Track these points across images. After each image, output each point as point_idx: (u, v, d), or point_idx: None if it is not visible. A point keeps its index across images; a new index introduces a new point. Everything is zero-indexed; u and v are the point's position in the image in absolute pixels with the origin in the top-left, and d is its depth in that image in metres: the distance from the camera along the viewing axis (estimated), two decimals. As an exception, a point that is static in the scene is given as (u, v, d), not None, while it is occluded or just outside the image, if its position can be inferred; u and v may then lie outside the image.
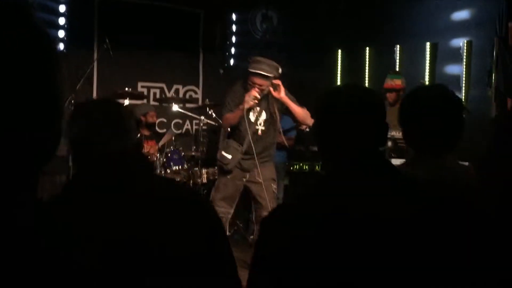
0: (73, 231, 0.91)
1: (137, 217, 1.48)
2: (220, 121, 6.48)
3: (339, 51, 7.78)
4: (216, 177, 6.54)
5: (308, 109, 5.06)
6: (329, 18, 7.60)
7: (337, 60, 7.81)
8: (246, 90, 4.80)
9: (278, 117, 5.04)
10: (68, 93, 6.24)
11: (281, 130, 5.46)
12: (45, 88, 0.78)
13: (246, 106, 4.73)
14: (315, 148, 7.09)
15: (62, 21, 7.00)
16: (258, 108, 4.93)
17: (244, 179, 5.07)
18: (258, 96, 4.74)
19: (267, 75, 4.71)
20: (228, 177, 5.03)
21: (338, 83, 7.76)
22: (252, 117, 4.94)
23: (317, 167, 7.12)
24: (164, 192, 1.65)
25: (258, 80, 4.70)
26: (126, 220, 1.43)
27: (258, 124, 4.99)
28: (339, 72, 7.80)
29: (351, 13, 7.41)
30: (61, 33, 6.99)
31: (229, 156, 4.97)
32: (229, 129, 5.16)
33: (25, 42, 0.75)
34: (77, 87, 6.41)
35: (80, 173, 1.65)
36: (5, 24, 0.74)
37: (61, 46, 6.98)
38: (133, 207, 1.57)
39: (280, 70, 4.88)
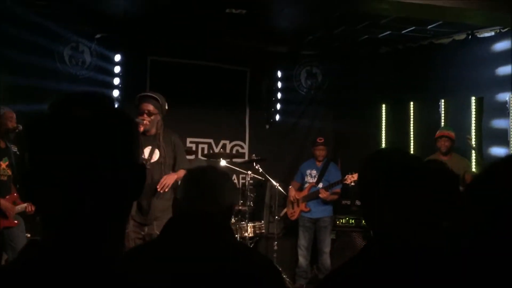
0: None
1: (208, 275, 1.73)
2: (267, 175, 6.61)
3: (384, 105, 7.86)
4: (263, 231, 6.62)
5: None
6: (373, 73, 7.73)
7: (382, 114, 7.88)
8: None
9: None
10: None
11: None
12: (132, 154, 1.01)
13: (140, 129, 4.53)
14: (345, 202, 7.12)
15: (116, 81, 7.38)
16: (150, 147, 4.76)
17: (143, 233, 4.70)
18: (147, 120, 4.66)
19: (156, 98, 4.76)
20: (127, 231, 4.52)
21: (383, 137, 7.81)
22: (146, 153, 4.74)
23: (363, 221, 7.10)
24: (239, 257, 1.89)
25: (145, 106, 4.72)
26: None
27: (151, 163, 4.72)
28: (383, 126, 7.85)
29: (395, 68, 7.52)
30: (116, 93, 7.35)
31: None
32: None
33: (119, 123, 1.00)
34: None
35: (166, 226, 2.06)
36: (99, 108, 0.99)
37: (116, 105, 7.30)
38: (205, 263, 1.83)
39: (166, 105, 4.85)
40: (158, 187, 4.64)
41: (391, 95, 7.77)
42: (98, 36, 7.14)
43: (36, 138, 0.96)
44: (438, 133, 6.27)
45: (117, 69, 7.40)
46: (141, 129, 4.65)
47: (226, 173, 2.32)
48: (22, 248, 0.96)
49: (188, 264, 1.90)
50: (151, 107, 4.75)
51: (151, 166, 4.67)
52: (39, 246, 0.94)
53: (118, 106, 1.03)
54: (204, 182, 2.17)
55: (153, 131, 4.76)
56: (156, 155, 4.77)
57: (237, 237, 6.26)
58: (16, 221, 5.19)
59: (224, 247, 1.99)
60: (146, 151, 4.75)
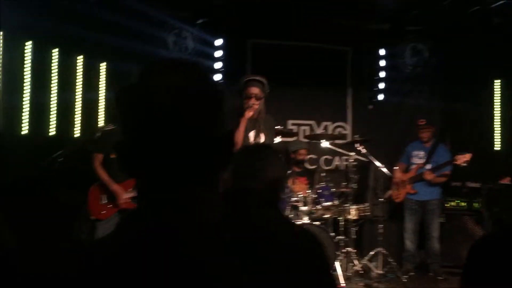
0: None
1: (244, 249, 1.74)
2: (370, 157, 6.42)
3: (497, 81, 7.34)
4: (367, 214, 6.46)
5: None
6: (485, 47, 7.23)
7: (494, 91, 7.36)
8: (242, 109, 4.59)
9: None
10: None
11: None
12: (220, 121, 0.99)
13: (247, 115, 4.52)
14: (472, 184, 6.73)
15: (218, 65, 7.49)
16: (254, 130, 4.64)
17: None
18: (256, 105, 4.55)
19: (261, 81, 4.65)
20: None
21: (497, 116, 7.30)
22: (251, 137, 4.65)
23: (475, 204, 6.70)
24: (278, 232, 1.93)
25: (253, 89, 4.61)
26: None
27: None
28: (498, 103, 7.34)
29: (510, 40, 6.98)
30: (218, 77, 7.47)
31: None
32: None
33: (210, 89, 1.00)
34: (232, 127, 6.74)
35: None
36: (192, 76, 0.99)
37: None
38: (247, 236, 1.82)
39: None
40: None
41: (506, 71, 7.24)
42: (199, 21, 7.26)
43: (126, 107, 0.96)
44: None
45: (218, 54, 7.50)
46: (250, 113, 4.59)
47: (270, 149, 2.34)
48: (120, 221, 0.96)
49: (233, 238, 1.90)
50: (258, 91, 4.66)
51: None
52: (136, 217, 0.94)
53: (209, 74, 0.98)
54: (244, 160, 2.21)
55: (257, 114, 4.70)
56: (262, 139, 4.74)
57: (341, 219, 6.15)
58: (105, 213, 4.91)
59: (266, 224, 2.01)
60: (251, 134, 4.72)
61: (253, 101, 4.61)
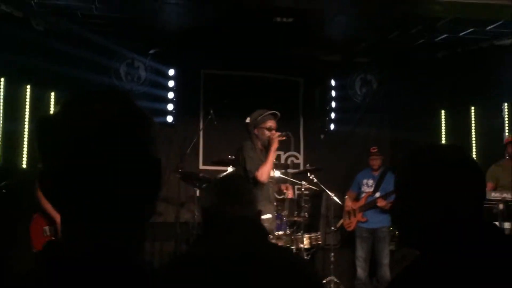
0: None
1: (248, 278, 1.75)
2: (322, 186, 6.50)
3: (443, 111, 7.60)
4: (319, 242, 6.50)
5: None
6: (430, 79, 7.49)
7: (441, 121, 7.61)
8: (255, 145, 4.95)
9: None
10: (177, 161, 6.59)
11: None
12: (143, 153, 0.96)
13: (276, 145, 4.87)
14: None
15: (171, 95, 7.49)
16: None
17: None
18: (283, 135, 4.96)
19: (277, 113, 5.08)
20: None
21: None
22: None
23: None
24: (277, 257, 1.95)
25: (271, 122, 5.01)
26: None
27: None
28: (443, 133, 7.58)
29: (454, 72, 7.26)
30: (170, 106, 7.47)
31: (268, 216, 4.81)
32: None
33: (132, 120, 0.98)
34: (185, 156, 6.73)
35: (206, 236, 2.10)
36: (112, 103, 0.97)
37: (170, 118, 7.44)
38: (247, 270, 1.84)
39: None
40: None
41: (450, 101, 7.51)
42: (152, 51, 7.28)
43: (45, 137, 0.95)
44: (507, 138, 6.01)
45: (171, 84, 7.52)
46: (276, 143, 4.94)
47: (248, 181, 2.40)
48: (42, 250, 0.94)
49: (238, 267, 1.91)
50: (275, 124, 5.11)
51: (272, 181, 5.07)
52: (58, 248, 0.93)
53: (133, 102, 0.98)
54: (236, 188, 2.21)
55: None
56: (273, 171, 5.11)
57: (293, 248, 6.17)
58: None
59: (267, 248, 2.03)
60: None
61: (273, 132, 5.00)
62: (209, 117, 6.87)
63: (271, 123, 5.04)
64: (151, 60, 7.35)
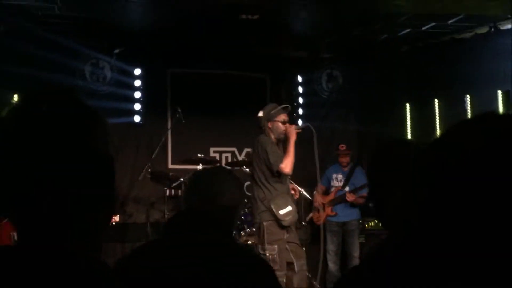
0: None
1: (201, 269, 1.75)
2: (291, 181, 6.53)
3: (407, 105, 7.73)
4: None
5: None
6: (395, 73, 7.61)
7: (406, 114, 7.74)
8: (270, 137, 5.03)
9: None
10: (145, 161, 6.54)
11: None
12: (95, 153, 0.94)
13: (294, 137, 4.98)
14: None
15: (137, 95, 7.43)
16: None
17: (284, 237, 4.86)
18: (300, 127, 5.12)
19: (288, 107, 5.17)
20: (284, 237, 4.80)
21: (409, 137, 7.67)
22: None
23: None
24: (231, 254, 1.93)
25: (285, 116, 5.08)
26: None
27: None
28: (408, 126, 7.72)
29: (417, 66, 7.39)
30: (137, 106, 7.40)
31: (289, 208, 4.84)
32: (264, 182, 4.97)
33: (76, 118, 0.95)
34: (153, 156, 6.69)
35: (167, 224, 2.10)
36: (57, 103, 0.94)
37: (137, 118, 7.38)
38: (199, 261, 1.83)
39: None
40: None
41: (414, 94, 7.64)
42: (117, 51, 7.20)
43: None
44: None
45: (137, 83, 7.46)
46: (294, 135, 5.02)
47: (230, 175, 2.28)
48: None
49: (183, 263, 1.88)
50: (288, 118, 5.18)
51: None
52: (8, 252, 0.91)
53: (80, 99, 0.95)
54: (203, 181, 2.18)
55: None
56: None
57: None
58: None
59: (218, 248, 1.98)
60: None
61: (289, 125, 5.09)
62: (177, 115, 6.84)
63: (284, 116, 5.09)
64: (117, 59, 7.27)
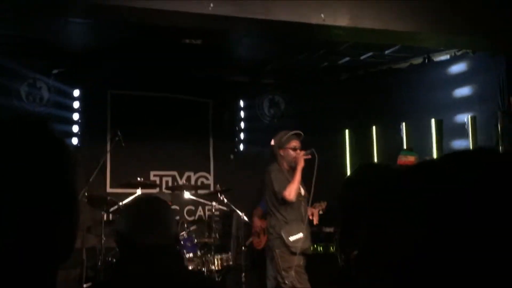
0: None
1: None
2: (232, 206, 6.53)
3: (347, 131, 7.91)
4: (230, 263, 6.49)
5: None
6: (335, 100, 7.78)
7: (345, 140, 7.91)
8: (282, 167, 5.08)
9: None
10: (83, 185, 6.36)
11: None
12: (62, 188, 0.89)
13: (302, 164, 4.97)
14: (328, 229, 7.08)
15: (76, 116, 7.26)
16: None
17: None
18: (308, 153, 5.05)
19: (300, 133, 5.20)
20: (297, 263, 4.87)
21: (348, 162, 7.83)
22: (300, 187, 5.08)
23: (331, 248, 7.04)
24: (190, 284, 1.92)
25: (295, 142, 5.12)
26: None
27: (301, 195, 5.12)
28: (347, 152, 7.88)
29: (356, 93, 7.59)
30: (75, 128, 7.23)
31: (300, 235, 4.86)
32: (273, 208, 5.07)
33: (43, 151, 0.89)
34: (91, 179, 6.52)
35: (121, 263, 2.06)
36: (27, 136, 0.89)
37: (75, 140, 7.20)
38: None
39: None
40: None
41: (353, 121, 7.83)
42: (55, 71, 7.03)
43: None
44: (398, 160, 6.28)
45: (76, 104, 7.29)
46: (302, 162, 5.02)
47: (166, 202, 2.29)
48: None
49: None
50: (299, 144, 5.18)
51: (303, 200, 5.12)
52: None
53: (49, 132, 0.91)
54: (152, 213, 2.13)
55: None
56: (302, 190, 5.17)
57: (204, 270, 6.13)
58: None
59: (183, 278, 1.99)
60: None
61: (298, 152, 5.07)
62: (117, 138, 6.71)
63: (295, 143, 5.13)
64: (55, 80, 7.09)
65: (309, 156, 5.14)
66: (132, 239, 2.07)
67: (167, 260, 2.00)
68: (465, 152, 0.79)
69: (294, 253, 4.82)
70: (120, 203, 6.34)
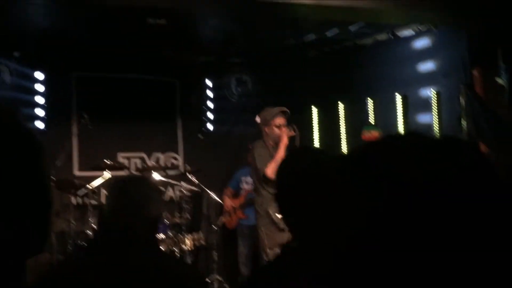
0: None
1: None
2: (202, 186, 6.54)
3: (314, 108, 7.96)
4: (202, 242, 6.53)
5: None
6: (302, 77, 7.81)
7: (313, 117, 7.96)
8: (267, 143, 5.10)
9: None
10: (50, 169, 6.27)
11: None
12: (33, 181, 0.88)
13: (285, 141, 4.97)
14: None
15: (40, 100, 7.13)
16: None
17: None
18: (291, 132, 5.05)
19: (286, 111, 5.17)
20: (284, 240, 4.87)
21: (316, 139, 7.89)
22: None
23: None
24: (160, 265, 1.92)
25: (280, 120, 5.12)
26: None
27: None
28: (316, 129, 7.94)
29: (322, 70, 7.62)
30: (40, 112, 7.10)
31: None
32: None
33: (11, 142, 0.87)
34: (57, 163, 6.44)
35: (92, 243, 2.11)
36: None
37: (41, 124, 7.07)
38: (128, 277, 1.79)
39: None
40: None
41: (321, 98, 7.88)
42: (17, 54, 6.86)
43: None
44: (362, 135, 6.40)
45: (40, 88, 7.15)
46: (286, 140, 5.03)
47: (152, 184, 2.27)
48: None
49: (113, 279, 1.86)
50: (285, 121, 5.18)
51: None
52: None
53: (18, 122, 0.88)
54: (129, 193, 2.11)
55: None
56: None
57: (175, 250, 6.15)
58: None
59: (149, 261, 1.98)
60: None
61: (285, 130, 5.05)
62: (83, 121, 6.63)
63: (280, 120, 5.11)
64: (17, 63, 6.93)
65: (293, 133, 5.16)
66: (106, 219, 2.07)
67: (138, 240, 1.98)
68: (389, 139, 0.78)
69: (282, 230, 4.83)
70: (88, 186, 6.30)
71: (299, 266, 1.47)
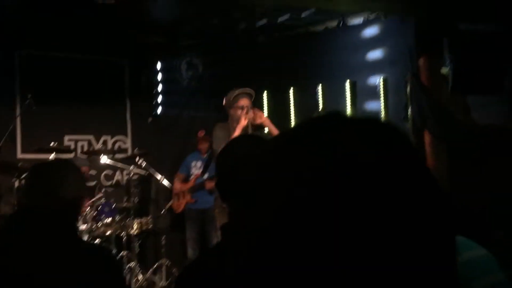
0: None
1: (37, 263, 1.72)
2: (151, 170, 6.48)
3: (265, 93, 7.98)
4: (150, 227, 6.48)
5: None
6: (253, 62, 7.80)
7: (263, 102, 7.98)
8: (230, 125, 5.07)
9: None
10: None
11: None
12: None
13: (242, 123, 4.91)
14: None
15: (-19, 79, 6.85)
16: None
17: None
18: (250, 114, 4.99)
19: (250, 93, 5.15)
20: None
21: (266, 124, 7.92)
22: None
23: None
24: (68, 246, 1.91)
25: (244, 101, 5.07)
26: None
27: None
28: (266, 113, 7.97)
29: (273, 56, 7.64)
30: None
31: None
32: None
33: None
34: (0, 145, 6.23)
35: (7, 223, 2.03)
36: None
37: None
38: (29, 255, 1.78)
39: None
40: None
41: (271, 83, 7.90)
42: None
43: None
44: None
45: (-20, 67, 6.87)
46: (246, 121, 4.94)
47: (72, 167, 2.24)
48: None
49: (24, 261, 1.83)
50: (248, 102, 5.10)
51: None
52: None
53: None
54: (42, 175, 2.11)
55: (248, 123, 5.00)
56: None
57: (123, 234, 6.08)
58: None
59: (62, 244, 1.96)
60: None
61: (245, 111, 4.94)
62: (27, 102, 6.43)
63: (243, 102, 5.04)
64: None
65: (252, 115, 5.12)
66: (20, 199, 2.10)
67: (47, 222, 1.96)
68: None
69: None
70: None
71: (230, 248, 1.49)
